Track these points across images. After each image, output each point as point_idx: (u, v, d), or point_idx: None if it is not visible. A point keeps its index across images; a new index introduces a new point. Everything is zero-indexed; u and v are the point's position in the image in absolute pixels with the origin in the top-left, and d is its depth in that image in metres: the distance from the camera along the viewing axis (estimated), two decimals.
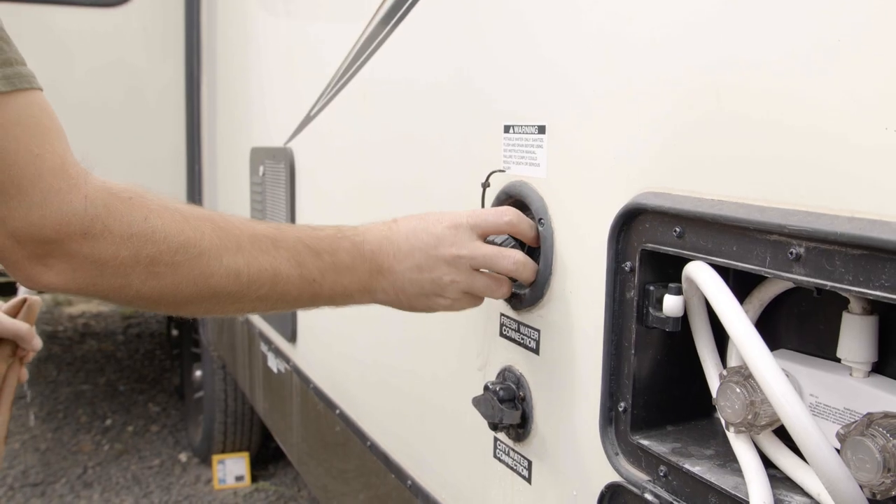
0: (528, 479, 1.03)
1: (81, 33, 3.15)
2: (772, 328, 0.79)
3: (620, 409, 0.84)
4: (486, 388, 1.04)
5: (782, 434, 0.72)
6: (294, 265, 0.82)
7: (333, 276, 0.85)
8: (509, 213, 0.93)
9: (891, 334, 0.69)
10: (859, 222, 0.58)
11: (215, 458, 3.49)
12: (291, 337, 2.10)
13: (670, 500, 0.77)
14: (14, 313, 1.08)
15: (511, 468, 1.07)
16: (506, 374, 1.06)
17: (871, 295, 0.57)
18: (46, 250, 0.70)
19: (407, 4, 1.31)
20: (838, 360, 0.70)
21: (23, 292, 1.14)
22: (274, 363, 2.30)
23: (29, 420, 4.01)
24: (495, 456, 1.11)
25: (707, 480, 0.73)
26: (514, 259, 0.91)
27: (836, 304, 0.70)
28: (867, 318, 0.68)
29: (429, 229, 0.89)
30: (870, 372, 0.69)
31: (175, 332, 4.23)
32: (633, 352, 0.81)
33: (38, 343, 1.08)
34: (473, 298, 0.94)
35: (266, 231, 0.82)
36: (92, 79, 3.16)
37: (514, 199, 1.02)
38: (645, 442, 0.81)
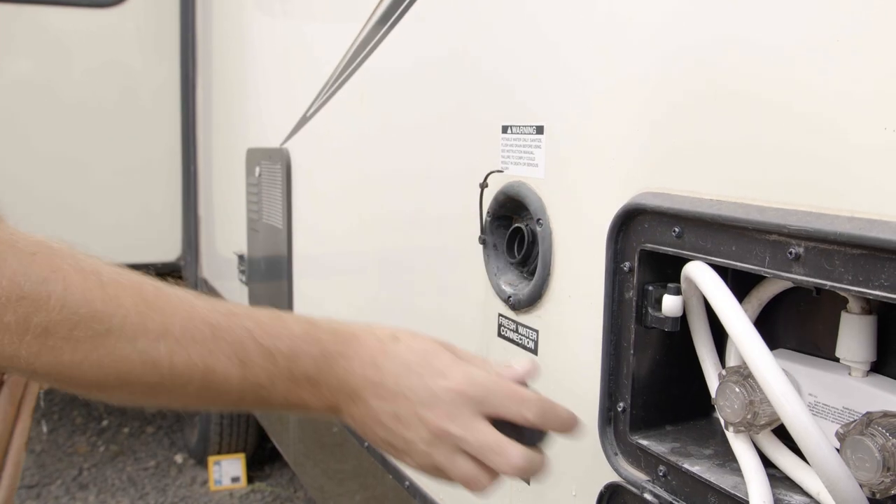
0: (527, 480, 1.03)
1: (77, 34, 3.15)
2: (770, 328, 0.79)
3: (619, 409, 0.84)
4: None
5: (781, 433, 0.72)
6: (236, 363, 0.66)
7: (288, 385, 0.69)
8: (533, 408, 0.71)
9: (889, 334, 0.69)
10: (859, 222, 0.58)
11: (211, 459, 3.47)
12: None
13: (670, 499, 0.77)
14: None
15: None
16: None
17: (870, 295, 0.57)
18: None
19: (404, 4, 1.31)
20: (837, 360, 0.71)
21: None
22: None
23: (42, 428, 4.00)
24: None
25: (706, 480, 0.73)
26: (513, 463, 0.69)
27: (834, 304, 0.71)
28: (866, 318, 0.68)
29: (426, 379, 0.70)
30: (868, 371, 0.69)
31: None
32: (631, 352, 0.81)
33: None
34: (445, 475, 0.72)
35: (208, 314, 0.66)
36: (87, 79, 3.16)
37: (512, 199, 1.02)
38: (644, 442, 0.81)
